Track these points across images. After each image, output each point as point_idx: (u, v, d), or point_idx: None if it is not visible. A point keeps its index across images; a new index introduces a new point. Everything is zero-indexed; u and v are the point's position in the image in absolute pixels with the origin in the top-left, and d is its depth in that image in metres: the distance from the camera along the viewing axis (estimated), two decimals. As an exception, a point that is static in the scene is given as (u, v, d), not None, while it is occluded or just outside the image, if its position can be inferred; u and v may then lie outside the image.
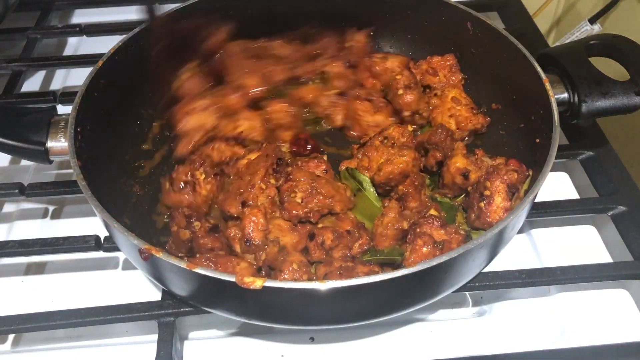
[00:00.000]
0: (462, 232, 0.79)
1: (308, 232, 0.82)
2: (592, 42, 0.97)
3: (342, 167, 0.93)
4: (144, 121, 1.01)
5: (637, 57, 0.93)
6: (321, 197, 0.83)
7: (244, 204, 0.83)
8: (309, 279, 0.75)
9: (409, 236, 0.78)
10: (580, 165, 0.99)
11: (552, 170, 0.77)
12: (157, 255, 0.67)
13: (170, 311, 0.78)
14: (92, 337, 0.83)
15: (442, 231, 0.78)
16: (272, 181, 0.86)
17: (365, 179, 0.89)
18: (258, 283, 0.63)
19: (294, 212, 0.83)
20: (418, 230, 0.78)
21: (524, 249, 0.91)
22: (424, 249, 0.75)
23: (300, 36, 1.07)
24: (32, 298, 0.86)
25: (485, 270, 0.80)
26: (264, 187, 0.85)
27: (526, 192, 0.79)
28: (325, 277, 0.74)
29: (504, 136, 0.98)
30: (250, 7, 1.09)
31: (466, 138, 0.98)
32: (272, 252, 0.79)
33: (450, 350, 0.78)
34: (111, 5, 1.41)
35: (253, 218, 0.80)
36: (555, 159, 0.77)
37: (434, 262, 0.65)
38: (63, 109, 0.96)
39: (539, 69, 0.89)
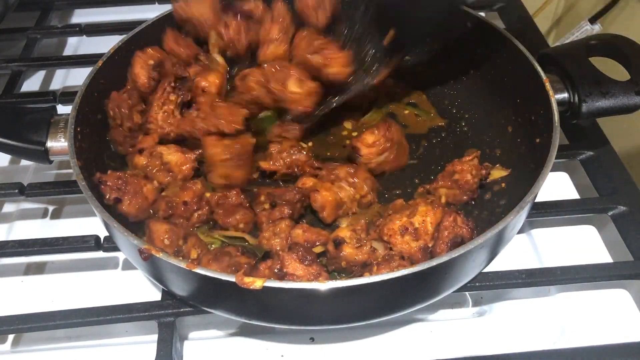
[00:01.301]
0: (325, 273, 0.74)
1: (197, 156, 0.89)
2: (592, 42, 0.97)
3: None
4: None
5: (637, 57, 0.92)
6: (213, 118, 0.87)
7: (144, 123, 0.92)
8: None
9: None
10: (580, 165, 0.99)
11: (552, 170, 0.77)
12: (157, 256, 0.67)
13: (170, 311, 0.78)
14: (92, 337, 0.83)
15: (300, 266, 0.73)
16: (172, 97, 0.92)
17: None
18: (258, 283, 0.63)
19: (184, 127, 0.89)
20: (277, 253, 0.77)
21: (524, 249, 0.91)
22: (266, 270, 0.74)
23: None
24: (32, 298, 0.86)
25: (486, 270, 0.80)
26: (160, 103, 0.91)
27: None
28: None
29: (504, 136, 0.98)
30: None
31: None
32: (157, 166, 0.87)
33: (450, 351, 0.78)
34: (111, 5, 1.41)
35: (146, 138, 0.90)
36: (555, 159, 0.77)
37: (434, 263, 0.65)
38: (63, 109, 0.96)
39: (539, 69, 0.89)
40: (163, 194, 0.85)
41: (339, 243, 0.77)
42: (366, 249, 0.77)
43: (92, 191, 0.75)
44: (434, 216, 0.79)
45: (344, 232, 0.79)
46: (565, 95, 0.92)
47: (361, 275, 0.72)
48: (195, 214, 0.84)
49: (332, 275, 0.79)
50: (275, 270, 0.72)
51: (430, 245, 0.78)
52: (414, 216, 0.79)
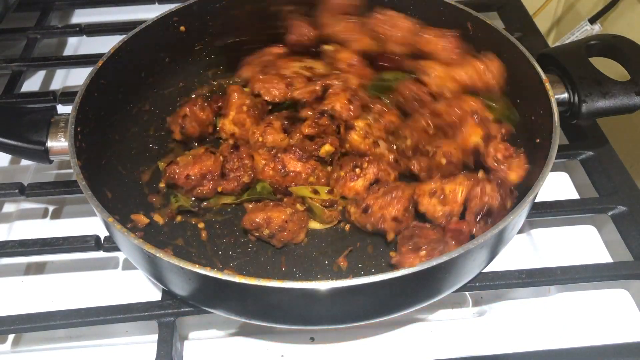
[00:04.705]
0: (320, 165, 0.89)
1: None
2: (592, 42, 0.97)
3: None
4: (144, 121, 1.01)
5: (637, 57, 0.93)
6: None
7: None
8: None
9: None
10: (580, 165, 0.99)
11: (552, 170, 0.77)
12: (158, 256, 0.67)
13: (170, 311, 0.78)
14: (92, 337, 0.83)
15: (299, 163, 0.87)
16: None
17: None
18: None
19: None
20: (279, 155, 0.88)
21: (524, 249, 0.91)
22: (270, 171, 0.88)
23: None
24: (32, 298, 0.86)
25: (486, 270, 0.80)
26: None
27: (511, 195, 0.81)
28: None
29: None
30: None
31: None
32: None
33: (450, 350, 0.78)
34: (111, 5, 1.41)
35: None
36: (555, 159, 0.77)
37: (434, 262, 0.65)
38: (63, 109, 0.96)
39: (539, 69, 0.89)
40: (178, 159, 0.89)
41: (349, 127, 0.90)
42: (369, 141, 0.90)
43: (92, 191, 0.75)
44: (468, 187, 0.82)
45: (358, 122, 0.91)
46: (565, 95, 0.92)
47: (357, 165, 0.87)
48: (197, 189, 0.87)
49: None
50: (279, 170, 0.87)
51: (455, 213, 0.82)
52: (447, 184, 0.82)
